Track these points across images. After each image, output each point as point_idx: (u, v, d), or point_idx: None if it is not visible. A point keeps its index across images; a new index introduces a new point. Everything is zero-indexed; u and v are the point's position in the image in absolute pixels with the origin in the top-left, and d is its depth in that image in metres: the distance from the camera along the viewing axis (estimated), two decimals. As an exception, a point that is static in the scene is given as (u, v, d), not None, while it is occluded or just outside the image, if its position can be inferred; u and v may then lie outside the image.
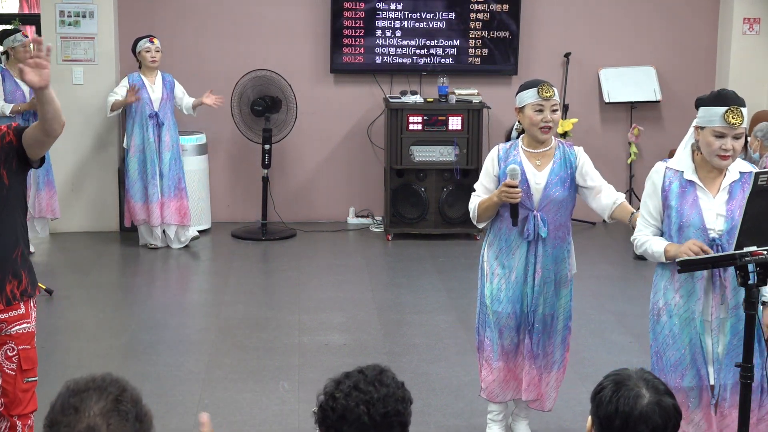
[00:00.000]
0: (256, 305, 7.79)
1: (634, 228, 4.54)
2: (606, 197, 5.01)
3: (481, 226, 5.13)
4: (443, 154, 9.64)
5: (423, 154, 9.60)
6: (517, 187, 4.80)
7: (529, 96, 4.88)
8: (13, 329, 4.17)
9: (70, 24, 9.68)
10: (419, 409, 5.51)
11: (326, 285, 8.37)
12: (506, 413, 5.33)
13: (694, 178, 4.26)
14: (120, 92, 9.11)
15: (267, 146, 9.71)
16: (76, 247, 9.45)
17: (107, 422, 2.33)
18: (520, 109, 4.93)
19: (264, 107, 9.64)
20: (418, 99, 9.85)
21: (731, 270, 4.07)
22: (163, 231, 9.39)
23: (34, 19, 12.42)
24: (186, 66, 10.00)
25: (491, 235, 5.08)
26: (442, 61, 10.18)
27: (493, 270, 5.05)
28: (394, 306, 7.78)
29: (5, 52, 8.93)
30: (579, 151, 5.07)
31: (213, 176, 10.11)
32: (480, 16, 10.14)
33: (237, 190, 10.36)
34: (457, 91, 9.83)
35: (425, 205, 9.73)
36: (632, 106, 10.40)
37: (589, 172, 5.03)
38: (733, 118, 4.10)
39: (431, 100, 9.86)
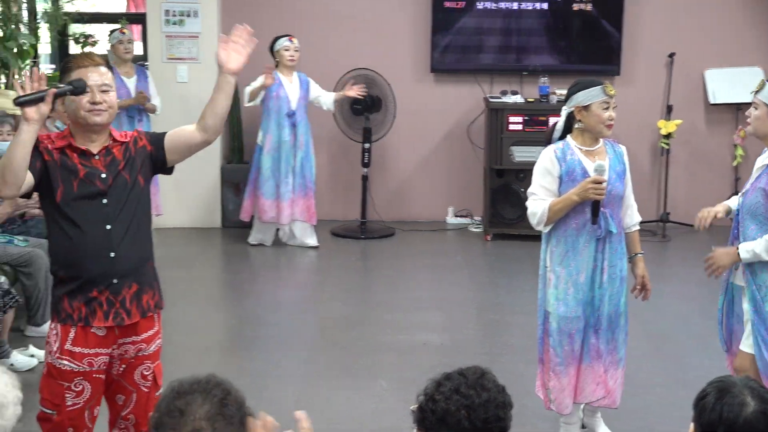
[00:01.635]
0: (354, 303, 7.82)
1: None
2: (629, 217, 5.14)
3: (547, 229, 5.05)
4: (544, 155, 9.53)
5: (523, 154, 9.52)
6: (603, 182, 4.81)
7: (596, 94, 4.88)
8: (151, 349, 4.17)
9: (174, 23, 9.82)
10: (515, 411, 5.45)
11: (424, 284, 8.36)
12: (578, 414, 5.28)
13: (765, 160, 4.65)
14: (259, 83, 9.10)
15: (367, 145, 9.74)
16: (179, 243, 9.59)
17: (212, 426, 2.32)
18: (584, 108, 4.91)
19: (363, 106, 9.67)
20: (518, 99, 9.78)
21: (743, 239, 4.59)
22: (288, 229, 9.44)
23: (140, 18, 12.65)
24: (288, 65, 10.08)
25: (554, 239, 5.03)
26: (544, 60, 10.09)
27: (558, 274, 5.00)
28: (492, 306, 7.74)
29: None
30: (624, 149, 5.13)
31: (313, 174, 10.16)
32: (582, 15, 10.03)
33: (337, 188, 10.40)
34: (558, 92, 9.73)
35: (525, 206, 9.63)
36: (738, 107, 10.18)
37: (629, 182, 5.10)
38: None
39: (532, 100, 9.79)
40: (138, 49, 10.40)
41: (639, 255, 5.14)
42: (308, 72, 9.99)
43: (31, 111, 3.71)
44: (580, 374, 5.09)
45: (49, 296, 6.83)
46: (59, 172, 3.93)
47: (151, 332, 4.15)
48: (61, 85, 3.86)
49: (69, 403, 4.03)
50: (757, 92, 4.59)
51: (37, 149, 3.89)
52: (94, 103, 3.90)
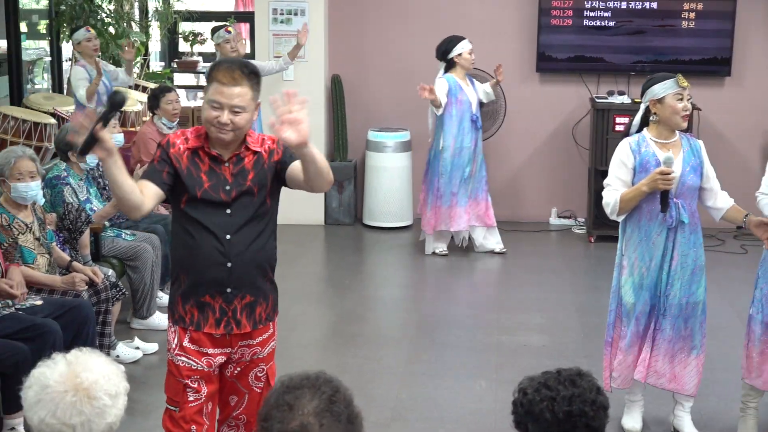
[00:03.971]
0: (455, 303, 7.80)
1: (743, 226, 5.19)
2: (722, 200, 5.25)
3: (620, 219, 5.23)
4: (650, 156, 9.39)
5: (629, 155, 9.37)
6: (670, 173, 4.95)
7: (669, 86, 5.11)
8: (265, 352, 4.16)
9: (282, 21, 9.91)
10: (618, 415, 5.42)
11: (526, 285, 8.31)
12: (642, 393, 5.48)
13: None
14: (441, 88, 8.76)
15: (471, 145, 9.69)
16: (282, 240, 9.59)
17: (320, 422, 2.34)
18: (659, 101, 5.12)
19: (469, 106, 9.61)
20: (625, 99, 9.66)
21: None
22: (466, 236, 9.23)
23: (248, 17, 12.82)
24: (391, 63, 10.11)
25: (629, 229, 5.24)
26: (652, 60, 9.94)
27: (632, 262, 5.22)
28: (594, 309, 7.65)
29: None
30: (701, 144, 5.28)
31: (416, 173, 10.16)
32: (693, 15, 9.86)
33: (439, 188, 10.38)
34: (666, 92, 9.56)
35: (630, 208, 9.50)
36: None
37: (708, 173, 5.23)
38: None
39: (639, 100, 9.63)
40: (246, 47, 10.51)
41: (749, 215, 5.19)
42: (414, 71, 10.02)
43: (97, 151, 3.56)
44: (640, 354, 5.30)
45: (155, 290, 7.00)
46: (186, 180, 3.91)
47: (266, 335, 4.14)
48: (100, 109, 3.61)
49: (190, 399, 4.03)
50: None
51: (167, 155, 3.91)
52: (220, 123, 3.84)
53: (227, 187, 3.90)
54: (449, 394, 5.98)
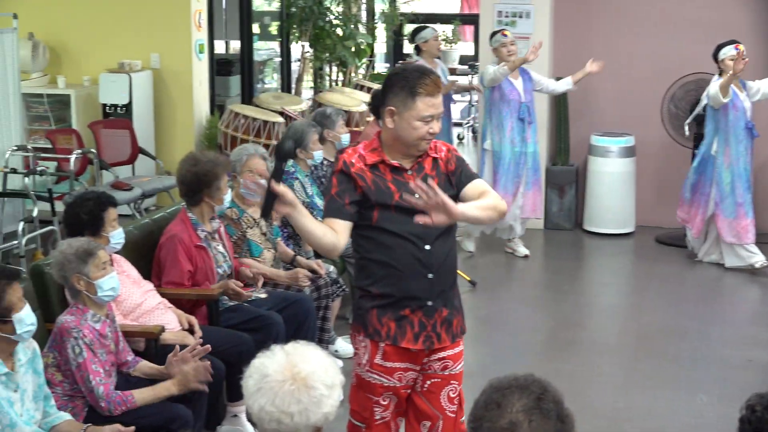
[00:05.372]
0: (677, 313, 7.60)
1: None
2: None
3: None
4: None
5: None
6: None
7: None
8: (457, 368, 4.00)
9: (507, 24, 9.87)
10: None
11: (753, 298, 8.03)
12: None
13: None
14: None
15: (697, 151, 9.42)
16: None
17: (529, 419, 2.35)
18: None
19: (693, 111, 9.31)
20: None
21: None
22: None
23: (472, 19, 12.88)
24: (616, 67, 9.91)
25: None
26: None
27: None
28: (827, 326, 7.33)
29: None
30: None
31: (640, 179, 9.95)
32: None
33: (664, 195, 10.13)
34: None
35: None
36: None
37: None
38: None
39: None
40: (469, 49, 10.56)
41: None
42: (640, 74, 9.84)
43: (282, 209, 3.58)
44: None
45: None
46: (375, 196, 3.82)
47: (458, 349, 4.01)
48: (273, 167, 3.65)
49: (377, 417, 3.96)
50: None
51: (350, 177, 3.83)
52: (433, 132, 3.76)
53: (417, 195, 3.64)
54: (668, 405, 5.84)
